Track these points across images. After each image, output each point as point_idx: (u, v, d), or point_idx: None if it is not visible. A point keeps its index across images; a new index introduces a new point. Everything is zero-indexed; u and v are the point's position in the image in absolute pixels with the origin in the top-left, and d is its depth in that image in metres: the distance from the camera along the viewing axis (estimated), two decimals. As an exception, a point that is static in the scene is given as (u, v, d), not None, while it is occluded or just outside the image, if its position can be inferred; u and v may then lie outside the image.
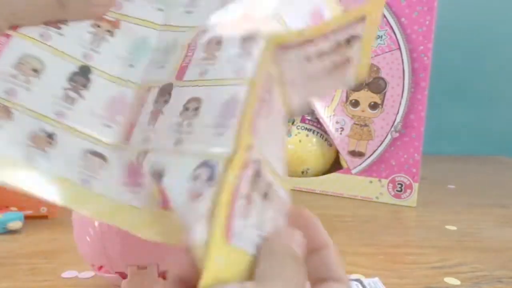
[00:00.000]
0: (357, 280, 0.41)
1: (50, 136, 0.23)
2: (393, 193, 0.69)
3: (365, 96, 0.69)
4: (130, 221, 0.22)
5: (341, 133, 0.71)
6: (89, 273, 0.40)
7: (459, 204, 0.69)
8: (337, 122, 0.71)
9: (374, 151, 0.69)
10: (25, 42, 0.23)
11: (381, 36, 0.67)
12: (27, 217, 0.52)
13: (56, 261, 0.43)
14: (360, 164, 0.70)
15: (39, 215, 0.54)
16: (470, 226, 0.59)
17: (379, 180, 0.69)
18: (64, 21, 0.24)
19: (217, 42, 0.22)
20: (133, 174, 0.23)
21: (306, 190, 0.73)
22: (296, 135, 0.74)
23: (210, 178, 0.18)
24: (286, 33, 0.23)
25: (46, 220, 0.54)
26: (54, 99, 0.23)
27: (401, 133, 0.68)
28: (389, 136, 0.68)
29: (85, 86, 0.24)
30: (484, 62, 1.14)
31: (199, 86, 0.22)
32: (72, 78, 0.24)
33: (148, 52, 0.26)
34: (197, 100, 0.21)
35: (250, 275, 0.18)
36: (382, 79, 0.68)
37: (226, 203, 0.18)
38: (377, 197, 0.70)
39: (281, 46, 0.22)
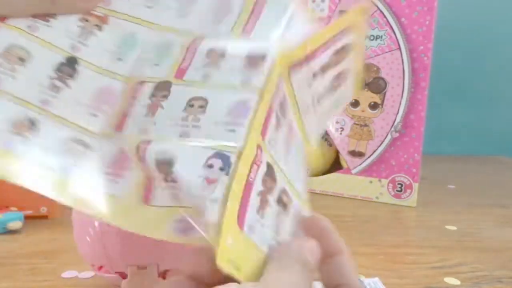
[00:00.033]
0: (357, 280, 0.41)
1: (33, 122, 0.23)
2: (393, 193, 0.69)
3: (365, 96, 0.69)
4: (106, 208, 0.22)
5: (341, 133, 0.71)
6: (89, 273, 0.40)
7: (459, 204, 0.69)
8: (337, 122, 0.71)
9: (374, 151, 0.69)
10: (12, 32, 0.23)
11: (381, 36, 0.67)
12: (27, 217, 0.52)
13: (56, 261, 0.44)
14: (360, 164, 0.70)
15: (39, 215, 0.54)
16: (470, 226, 0.59)
17: (379, 180, 0.69)
18: (52, 15, 0.24)
19: (221, 55, 0.23)
20: (118, 163, 0.23)
21: (306, 190, 0.73)
22: (296, 135, 0.74)
23: (223, 167, 0.19)
24: (294, 49, 0.23)
25: (46, 220, 0.54)
26: (40, 88, 0.23)
27: (401, 133, 0.68)
28: (389, 136, 0.68)
29: (71, 76, 0.24)
30: (484, 62, 1.14)
31: (203, 88, 0.22)
32: (59, 68, 0.24)
33: (136, 47, 0.26)
34: (202, 99, 0.22)
35: (259, 273, 0.19)
36: (382, 79, 0.68)
37: (238, 190, 0.19)
38: (377, 197, 0.70)
39: (292, 64, 0.23)
